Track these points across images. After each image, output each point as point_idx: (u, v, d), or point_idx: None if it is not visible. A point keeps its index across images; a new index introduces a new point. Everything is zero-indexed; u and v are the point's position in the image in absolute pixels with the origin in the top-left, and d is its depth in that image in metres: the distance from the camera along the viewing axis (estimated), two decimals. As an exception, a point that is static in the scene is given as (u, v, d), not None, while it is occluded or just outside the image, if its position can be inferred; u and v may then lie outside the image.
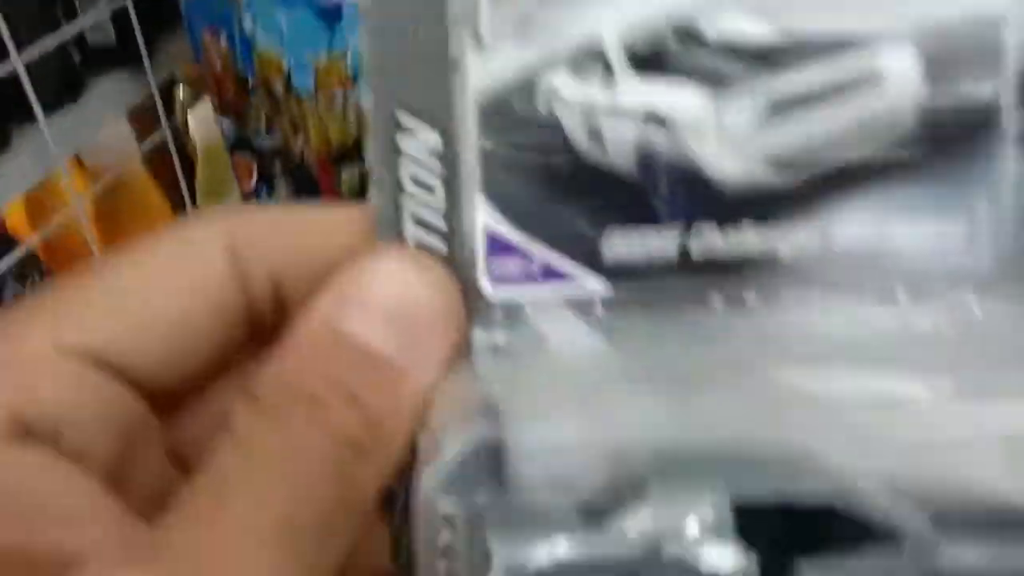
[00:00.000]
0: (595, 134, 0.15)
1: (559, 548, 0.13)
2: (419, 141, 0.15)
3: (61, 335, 0.14)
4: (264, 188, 0.53)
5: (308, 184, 0.51)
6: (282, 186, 0.52)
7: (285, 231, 0.16)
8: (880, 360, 0.15)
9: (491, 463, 0.14)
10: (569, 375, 0.15)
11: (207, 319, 0.15)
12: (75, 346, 0.14)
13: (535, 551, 0.13)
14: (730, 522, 0.13)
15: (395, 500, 0.16)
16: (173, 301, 0.15)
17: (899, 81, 0.14)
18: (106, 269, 0.15)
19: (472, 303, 0.15)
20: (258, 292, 0.16)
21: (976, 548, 0.13)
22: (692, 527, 0.13)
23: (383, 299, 0.14)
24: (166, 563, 0.12)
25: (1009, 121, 0.15)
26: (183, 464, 0.16)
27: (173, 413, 0.16)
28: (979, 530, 0.13)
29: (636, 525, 0.13)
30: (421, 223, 0.15)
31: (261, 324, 0.16)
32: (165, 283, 0.15)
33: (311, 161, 0.50)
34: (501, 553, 0.13)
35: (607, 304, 0.15)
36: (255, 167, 0.52)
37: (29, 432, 0.13)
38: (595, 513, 0.14)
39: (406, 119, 0.15)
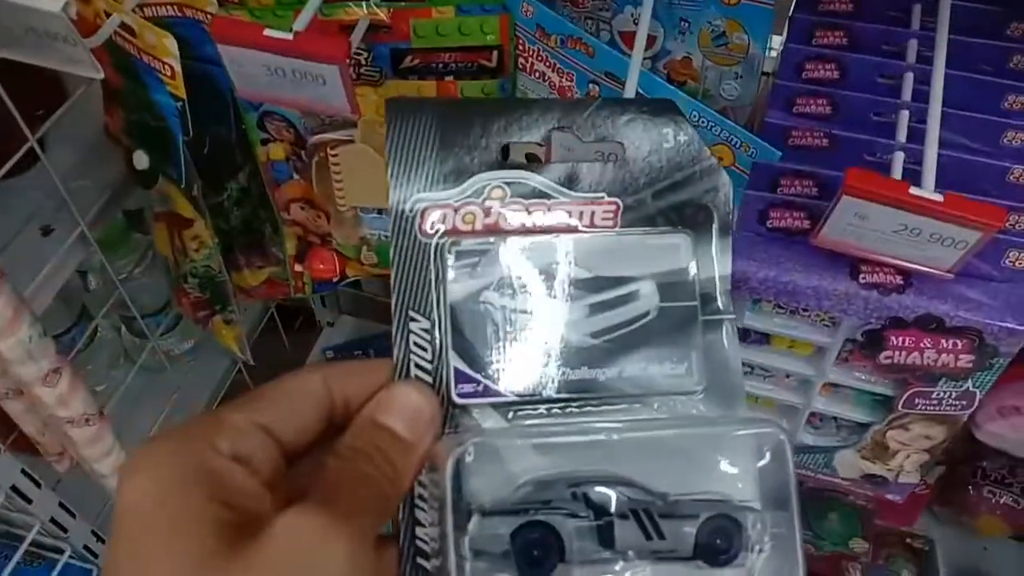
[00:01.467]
0: (508, 320, 0.30)
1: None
2: (419, 324, 0.30)
3: (251, 416, 0.27)
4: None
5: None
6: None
7: (354, 372, 0.29)
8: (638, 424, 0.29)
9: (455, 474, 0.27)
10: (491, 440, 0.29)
11: (313, 416, 0.28)
12: (257, 423, 0.27)
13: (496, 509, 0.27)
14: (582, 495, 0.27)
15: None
16: (299, 405, 0.28)
17: (648, 298, 0.30)
18: (268, 388, 0.28)
19: (448, 408, 0.29)
20: (338, 405, 0.29)
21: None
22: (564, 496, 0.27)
23: (401, 406, 0.28)
24: (321, 510, 0.24)
25: (698, 315, 0.30)
26: (295, 490, 0.27)
27: (292, 463, 0.28)
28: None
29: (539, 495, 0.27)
30: (420, 368, 0.30)
31: (339, 424, 0.29)
32: (295, 397, 0.28)
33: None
34: (479, 510, 0.27)
35: (514, 407, 0.30)
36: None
37: (238, 458, 0.26)
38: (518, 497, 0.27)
39: (413, 313, 0.30)
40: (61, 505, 0.77)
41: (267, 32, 0.46)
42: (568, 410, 0.30)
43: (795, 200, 0.53)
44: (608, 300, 0.30)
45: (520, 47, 0.63)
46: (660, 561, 0.27)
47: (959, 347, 0.51)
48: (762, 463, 0.28)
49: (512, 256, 0.30)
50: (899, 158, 0.51)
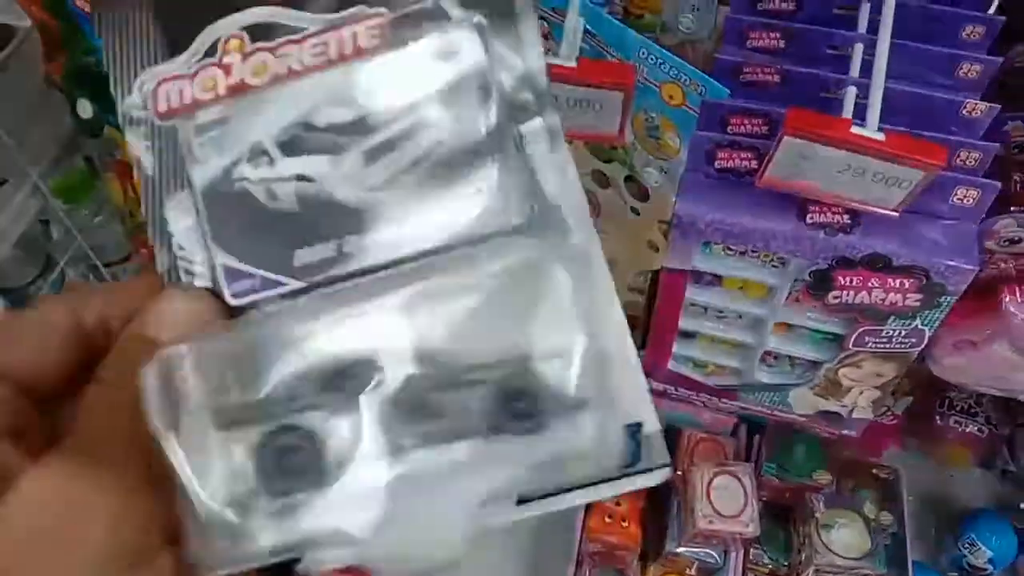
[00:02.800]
0: (271, 195, 0.24)
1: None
2: (183, 223, 0.25)
3: None
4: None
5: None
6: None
7: (109, 293, 0.25)
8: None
9: None
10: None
11: (59, 351, 0.24)
12: None
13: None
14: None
15: None
16: (35, 344, 0.24)
17: (435, 125, 0.24)
18: (10, 327, 0.25)
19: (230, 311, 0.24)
20: (96, 335, 0.24)
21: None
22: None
23: (169, 314, 0.24)
24: (73, 460, 0.21)
25: (507, 128, 0.23)
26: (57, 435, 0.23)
27: (51, 405, 0.24)
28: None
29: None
30: (188, 272, 0.25)
31: (99, 348, 0.24)
32: (29, 335, 0.24)
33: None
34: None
35: (303, 293, 0.24)
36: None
37: None
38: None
39: (170, 210, 0.25)
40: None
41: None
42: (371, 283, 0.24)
43: (743, 140, 0.52)
44: (385, 140, 0.24)
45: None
46: (446, 443, 0.22)
47: (906, 286, 0.51)
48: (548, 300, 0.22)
49: (258, 113, 0.24)
50: (851, 94, 0.50)
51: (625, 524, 0.86)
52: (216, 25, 0.25)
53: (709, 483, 0.80)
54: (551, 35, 0.60)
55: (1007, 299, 0.58)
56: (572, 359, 0.22)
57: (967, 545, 0.93)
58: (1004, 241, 0.56)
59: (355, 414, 0.22)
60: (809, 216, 0.50)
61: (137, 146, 0.25)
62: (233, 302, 0.25)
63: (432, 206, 0.24)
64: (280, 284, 0.24)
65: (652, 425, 0.23)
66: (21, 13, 0.49)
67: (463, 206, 0.24)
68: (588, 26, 0.53)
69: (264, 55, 0.24)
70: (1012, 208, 0.54)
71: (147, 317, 0.24)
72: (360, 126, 0.24)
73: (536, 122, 0.24)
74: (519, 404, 0.22)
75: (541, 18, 0.59)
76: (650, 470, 0.23)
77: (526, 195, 0.24)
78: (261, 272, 0.24)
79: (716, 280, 0.59)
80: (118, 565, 0.20)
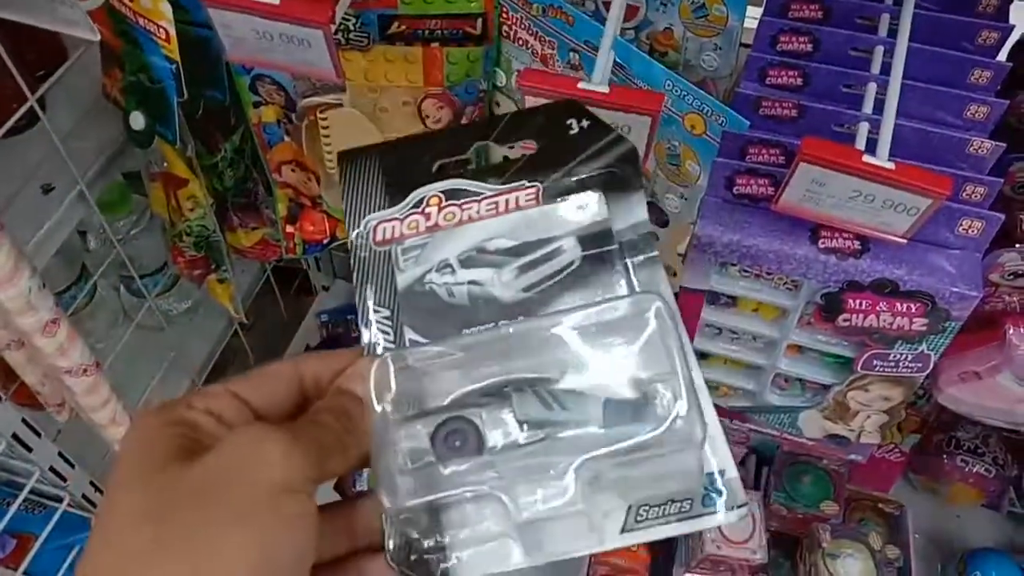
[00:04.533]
0: (449, 293, 0.34)
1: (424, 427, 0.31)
2: (380, 315, 0.34)
3: (226, 386, 0.31)
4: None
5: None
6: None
7: (324, 359, 0.33)
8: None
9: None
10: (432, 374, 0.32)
11: (283, 390, 0.32)
12: (232, 392, 0.30)
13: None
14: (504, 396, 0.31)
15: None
16: (269, 382, 0.32)
17: (571, 250, 0.34)
18: (247, 375, 0.32)
19: None
20: (309, 386, 0.32)
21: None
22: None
23: (361, 373, 0.32)
24: (269, 425, 0.29)
25: (619, 255, 0.33)
26: None
27: None
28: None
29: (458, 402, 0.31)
30: (386, 349, 0.34)
31: (312, 395, 0.33)
32: (266, 376, 0.32)
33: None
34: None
35: None
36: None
37: (210, 413, 0.29)
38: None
39: (374, 306, 0.34)
40: (61, 455, 0.81)
41: (254, -4, 0.48)
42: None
43: (761, 168, 0.55)
44: (534, 259, 0.34)
45: (504, 15, 0.65)
46: (568, 429, 0.30)
47: (913, 311, 0.53)
48: (649, 331, 0.30)
49: (446, 242, 0.34)
50: (863, 128, 0.53)
51: (634, 547, 0.87)
52: (422, 188, 0.35)
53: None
54: (581, 67, 0.64)
55: (1011, 331, 0.60)
56: (681, 396, 0.29)
57: (973, 583, 0.93)
58: (1008, 275, 0.59)
59: (506, 411, 0.30)
60: (821, 241, 0.53)
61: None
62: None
63: (566, 301, 0.33)
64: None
65: (733, 470, 0.30)
66: (93, 29, 0.52)
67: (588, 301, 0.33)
68: (618, 59, 0.57)
69: (454, 207, 0.35)
70: (1016, 244, 0.57)
71: (349, 374, 0.32)
72: (517, 251, 0.34)
73: (640, 257, 0.34)
74: (623, 408, 0.30)
75: (573, 50, 0.63)
76: (733, 508, 0.29)
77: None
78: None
79: (731, 302, 0.62)
80: (280, 493, 0.27)
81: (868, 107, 0.56)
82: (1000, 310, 0.62)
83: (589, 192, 0.34)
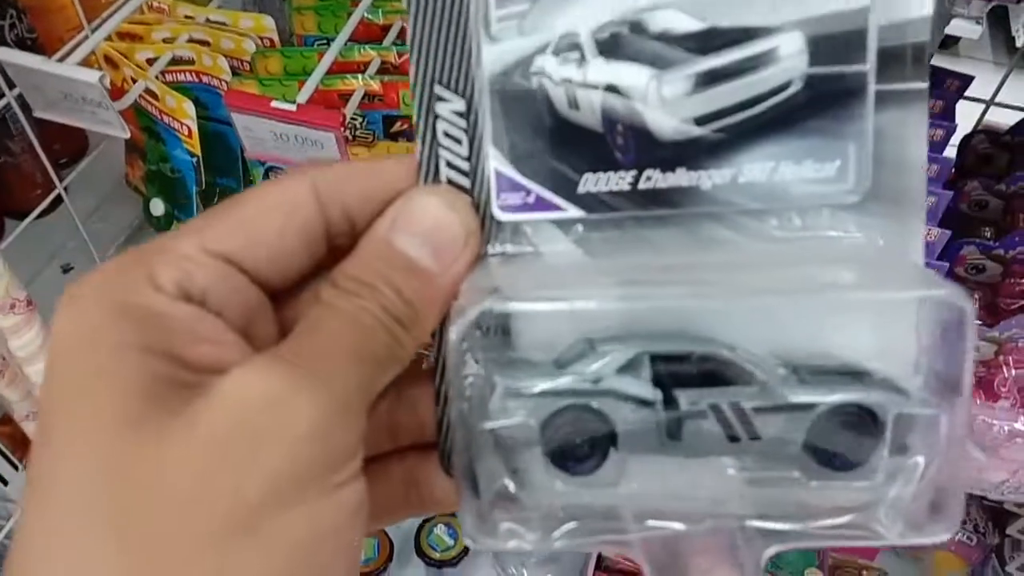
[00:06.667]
0: (572, 101, 0.20)
1: (539, 383, 0.20)
2: (449, 106, 0.21)
3: (204, 243, 0.20)
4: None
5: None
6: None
7: (353, 178, 0.21)
8: (772, 259, 0.19)
9: (498, 327, 0.20)
10: (553, 272, 0.21)
11: (297, 237, 0.21)
12: (213, 251, 0.20)
13: (523, 383, 0.20)
14: (647, 367, 0.19)
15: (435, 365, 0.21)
16: (274, 224, 0.20)
17: (791, 59, 0.19)
18: (231, 205, 0.21)
19: (487, 224, 0.21)
20: (335, 221, 0.21)
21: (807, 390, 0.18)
22: (621, 370, 0.19)
23: (421, 224, 0.21)
24: (283, 363, 0.18)
25: (871, 88, 0.19)
26: (287, 334, 0.20)
27: (281, 301, 0.21)
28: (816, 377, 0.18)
29: (587, 368, 0.20)
30: (451, 167, 0.21)
31: (340, 247, 0.21)
32: (269, 213, 0.21)
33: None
34: (502, 384, 0.20)
35: (582, 224, 0.21)
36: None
37: (187, 296, 0.19)
38: (562, 363, 0.20)
39: (440, 90, 0.21)
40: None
41: (274, 103, 0.54)
42: (656, 231, 0.21)
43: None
44: (727, 65, 0.20)
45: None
46: (745, 454, 0.20)
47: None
48: (928, 338, 0.19)
49: (581, 1, 0.20)
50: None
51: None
52: None
53: None
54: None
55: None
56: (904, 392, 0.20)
57: (956, 651, 0.94)
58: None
59: (659, 413, 0.20)
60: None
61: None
62: (499, 215, 0.22)
63: (760, 167, 0.20)
64: (556, 208, 0.21)
65: None
66: (124, 128, 0.58)
67: (794, 170, 0.20)
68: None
69: None
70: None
71: (395, 218, 0.21)
72: (701, 41, 0.20)
73: (907, 84, 0.20)
74: (841, 436, 0.20)
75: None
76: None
77: (872, 168, 0.20)
78: (538, 189, 0.21)
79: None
80: (304, 478, 0.18)
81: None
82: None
83: None
